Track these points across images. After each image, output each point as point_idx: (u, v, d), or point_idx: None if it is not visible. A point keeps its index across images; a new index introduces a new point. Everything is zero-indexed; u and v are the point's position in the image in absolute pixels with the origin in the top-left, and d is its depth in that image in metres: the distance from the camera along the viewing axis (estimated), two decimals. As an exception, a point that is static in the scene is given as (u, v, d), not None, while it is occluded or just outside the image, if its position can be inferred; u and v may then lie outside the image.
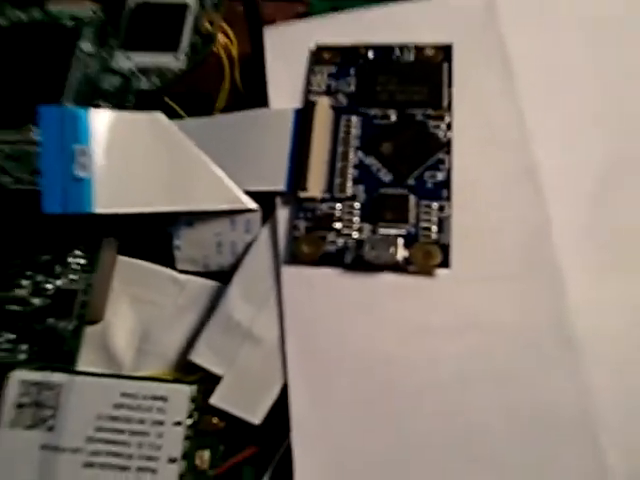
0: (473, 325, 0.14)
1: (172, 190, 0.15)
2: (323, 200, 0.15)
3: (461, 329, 0.14)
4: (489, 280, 0.14)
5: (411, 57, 0.16)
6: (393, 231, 0.14)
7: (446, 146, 0.15)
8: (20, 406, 0.14)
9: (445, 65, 0.16)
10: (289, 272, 0.14)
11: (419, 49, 0.16)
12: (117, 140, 0.14)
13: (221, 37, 0.19)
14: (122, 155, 0.14)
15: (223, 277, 0.16)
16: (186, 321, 0.16)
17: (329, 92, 0.16)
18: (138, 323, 0.16)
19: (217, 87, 0.18)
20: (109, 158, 0.14)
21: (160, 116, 0.15)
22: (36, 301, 0.15)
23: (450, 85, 0.16)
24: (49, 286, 0.16)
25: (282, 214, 0.15)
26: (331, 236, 0.15)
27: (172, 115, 0.17)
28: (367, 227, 0.15)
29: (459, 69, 0.16)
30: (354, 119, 0.16)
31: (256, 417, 0.14)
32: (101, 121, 0.14)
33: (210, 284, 0.16)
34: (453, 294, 0.14)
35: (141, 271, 0.16)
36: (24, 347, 0.15)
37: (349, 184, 0.15)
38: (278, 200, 0.15)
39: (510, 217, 0.15)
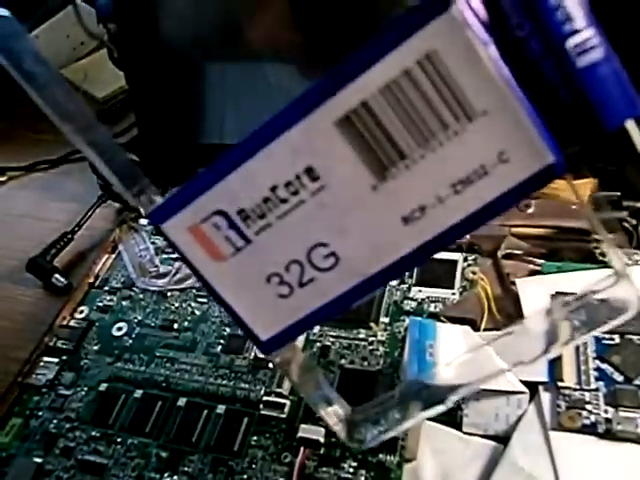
0: None
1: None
2: (575, 389, 0.22)
3: None
4: None
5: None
6: (631, 415, 0.21)
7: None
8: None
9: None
10: (556, 436, 0.21)
11: None
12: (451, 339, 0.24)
13: (480, 282, 0.28)
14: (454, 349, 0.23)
15: (498, 440, 0.23)
16: (472, 469, 0.22)
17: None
18: (438, 466, 0.23)
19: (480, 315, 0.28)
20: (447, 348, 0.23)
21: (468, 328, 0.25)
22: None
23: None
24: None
25: (544, 396, 0.23)
26: (585, 413, 0.22)
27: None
28: (610, 409, 0.22)
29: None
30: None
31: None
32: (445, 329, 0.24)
33: (489, 443, 0.23)
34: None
35: (436, 429, 0.23)
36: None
37: (592, 380, 0.23)
38: (541, 387, 0.23)
39: None
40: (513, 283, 0.28)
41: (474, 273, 0.29)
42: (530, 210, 0.30)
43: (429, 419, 0.24)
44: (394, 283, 0.29)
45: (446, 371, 0.23)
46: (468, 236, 0.30)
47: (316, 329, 0.28)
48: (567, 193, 0.32)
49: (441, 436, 0.23)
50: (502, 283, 0.29)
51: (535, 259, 0.29)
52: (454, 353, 0.23)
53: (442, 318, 0.27)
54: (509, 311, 0.27)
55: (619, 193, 0.30)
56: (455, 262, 0.29)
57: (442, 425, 0.24)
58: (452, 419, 0.24)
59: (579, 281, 0.27)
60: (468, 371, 0.24)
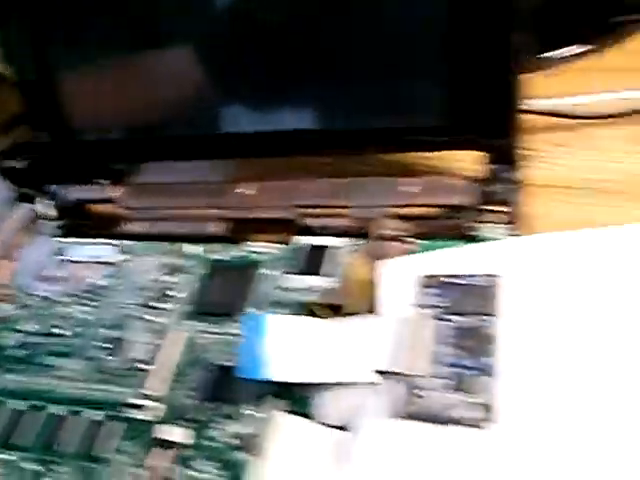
0: None
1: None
2: (419, 375, 0.22)
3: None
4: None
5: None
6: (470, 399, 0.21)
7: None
8: None
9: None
10: (394, 423, 0.21)
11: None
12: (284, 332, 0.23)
13: (353, 266, 0.28)
14: (286, 342, 0.23)
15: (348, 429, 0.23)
16: (320, 459, 0.23)
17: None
18: (287, 457, 0.23)
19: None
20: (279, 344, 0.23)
21: (311, 319, 0.24)
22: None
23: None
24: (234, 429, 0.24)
25: (389, 384, 0.23)
26: (423, 399, 0.22)
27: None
28: (449, 395, 0.21)
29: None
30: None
31: None
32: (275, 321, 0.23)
33: (338, 432, 0.23)
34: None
35: (288, 420, 0.24)
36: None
37: (437, 365, 0.22)
38: (386, 374, 0.23)
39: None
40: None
41: (350, 258, 0.28)
42: (414, 189, 0.29)
43: (282, 411, 0.24)
44: (268, 272, 0.29)
45: (283, 365, 0.23)
46: (347, 218, 0.29)
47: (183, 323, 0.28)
48: (455, 168, 0.31)
49: (292, 427, 0.23)
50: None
51: (415, 240, 0.28)
52: (292, 345, 0.23)
53: (311, 306, 0.27)
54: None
55: (508, 167, 0.29)
56: (335, 248, 0.29)
57: (295, 416, 0.24)
58: (304, 410, 0.24)
59: (448, 261, 0.26)
60: (309, 363, 0.23)
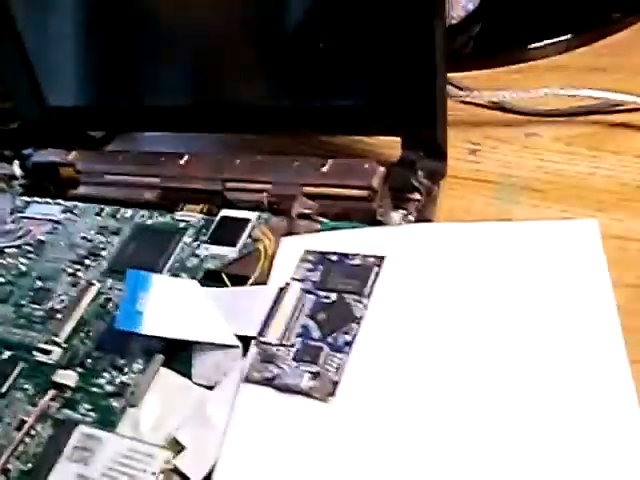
0: None
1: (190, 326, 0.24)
2: (273, 344, 0.23)
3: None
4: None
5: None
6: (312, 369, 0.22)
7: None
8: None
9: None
10: (244, 388, 0.23)
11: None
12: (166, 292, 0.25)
13: (264, 240, 0.29)
14: (166, 301, 0.24)
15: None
16: (189, 419, 0.24)
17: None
18: (159, 412, 0.24)
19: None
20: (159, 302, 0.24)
21: (195, 283, 0.26)
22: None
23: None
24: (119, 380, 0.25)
25: (252, 351, 0.24)
26: (271, 367, 0.23)
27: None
28: (294, 364, 0.22)
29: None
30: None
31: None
32: (160, 281, 0.25)
33: (207, 393, 0.24)
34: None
35: (168, 377, 0.25)
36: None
37: (292, 336, 0.23)
38: (253, 342, 0.24)
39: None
40: (294, 242, 0.29)
41: (261, 232, 0.29)
42: (324, 169, 0.30)
43: (167, 368, 0.26)
44: (188, 240, 0.30)
45: (157, 321, 0.24)
46: (265, 194, 0.30)
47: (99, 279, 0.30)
48: (374, 153, 0.32)
49: (171, 384, 0.25)
50: (287, 242, 0.29)
51: (323, 219, 0.29)
52: (170, 305, 0.25)
53: (222, 275, 0.29)
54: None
55: (421, 153, 0.29)
56: (247, 220, 0.30)
57: (177, 374, 0.25)
58: (187, 369, 0.25)
59: (342, 241, 0.27)
60: (183, 323, 0.25)
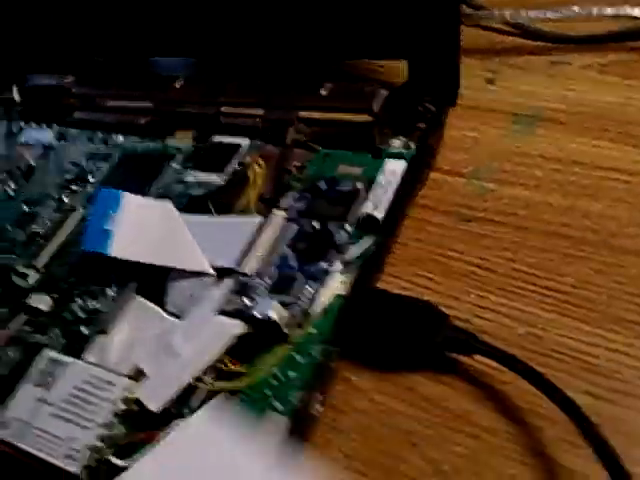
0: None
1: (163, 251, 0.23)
2: (249, 275, 0.22)
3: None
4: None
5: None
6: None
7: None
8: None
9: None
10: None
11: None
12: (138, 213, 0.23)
13: (254, 167, 0.27)
14: (138, 223, 0.23)
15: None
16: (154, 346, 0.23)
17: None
18: (129, 339, 0.23)
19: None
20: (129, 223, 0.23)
21: (169, 204, 0.24)
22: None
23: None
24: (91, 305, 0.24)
25: (226, 282, 0.22)
26: (243, 299, 0.21)
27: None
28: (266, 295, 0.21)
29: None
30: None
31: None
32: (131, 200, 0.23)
33: (179, 322, 0.23)
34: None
35: (141, 305, 0.24)
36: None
37: (269, 266, 0.21)
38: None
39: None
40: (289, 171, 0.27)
41: (252, 159, 0.27)
42: (322, 92, 0.27)
43: (140, 296, 0.24)
44: (177, 166, 0.28)
45: (125, 243, 0.23)
46: (258, 119, 0.28)
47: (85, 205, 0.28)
48: (377, 78, 0.29)
49: (142, 313, 0.24)
50: (278, 170, 0.27)
51: (319, 147, 0.27)
52: (141, 227, 0.23)
53: (208, 203, 0.27)
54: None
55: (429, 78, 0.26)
56: (238, 147, 0.28)
57: (150, 303, 0.24)
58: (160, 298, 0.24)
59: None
60: (155, 247, 0.23)
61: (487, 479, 0.18)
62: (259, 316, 0.20)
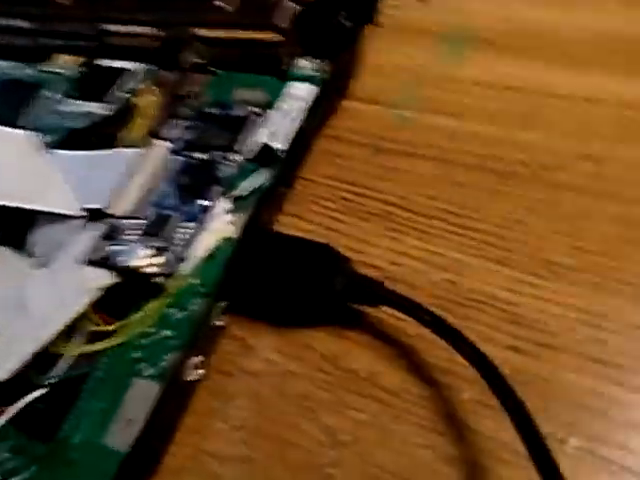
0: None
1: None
2: (122, 217, 0.18)
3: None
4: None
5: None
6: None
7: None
8: None
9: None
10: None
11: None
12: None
13: (145, 95, 0.23)
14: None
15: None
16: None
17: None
18: None
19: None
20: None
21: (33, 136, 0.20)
22: None
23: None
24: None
25: (95, 226, 0.19)
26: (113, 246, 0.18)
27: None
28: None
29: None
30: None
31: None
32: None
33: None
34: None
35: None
36: None
37: (146, 206, 0.18)
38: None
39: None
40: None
41: (139, 86, 0.23)
42: (222, 4, 0.23)
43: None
44: (53, 95, 0.24)
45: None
46: (150, 39, 0.24)
47: None
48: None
49: (2, 261, 0.20)
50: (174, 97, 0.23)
51: (217, 70, 0.23)
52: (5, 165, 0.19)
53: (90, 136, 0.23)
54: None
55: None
56: (124, 71, 0.24)
57: (12, 250, 0.20)
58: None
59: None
60: (15, 186, 0.19)
61: (392, 449, 0.15)
62: (121, 265, 0.16)
